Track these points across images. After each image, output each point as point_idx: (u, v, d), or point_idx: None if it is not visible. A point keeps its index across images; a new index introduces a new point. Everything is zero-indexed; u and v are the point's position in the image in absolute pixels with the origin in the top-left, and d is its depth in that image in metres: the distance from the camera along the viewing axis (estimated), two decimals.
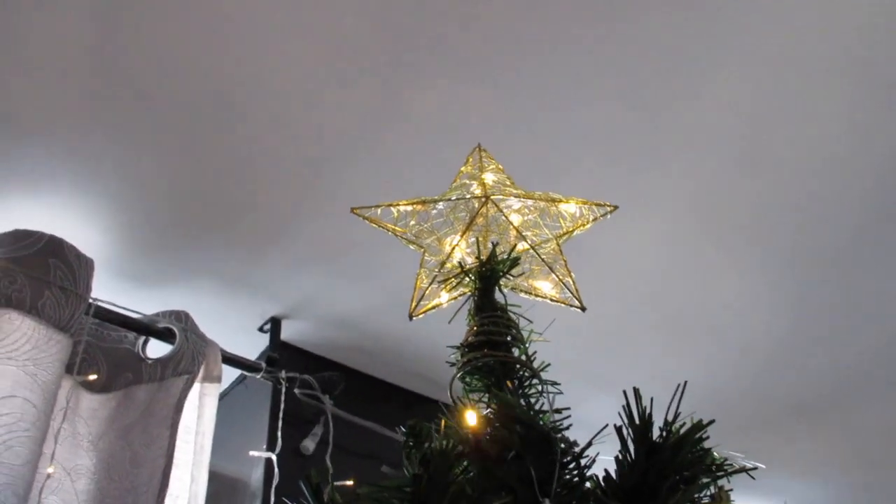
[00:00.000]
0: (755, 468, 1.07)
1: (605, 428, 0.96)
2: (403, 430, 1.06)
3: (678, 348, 2.70)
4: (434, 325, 1.37)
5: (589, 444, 0.98)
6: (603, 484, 0.93)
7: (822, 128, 2.01)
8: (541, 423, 0.96)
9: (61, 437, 1.74)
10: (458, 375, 1.14)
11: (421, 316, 1.26)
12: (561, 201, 1.35)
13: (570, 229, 1.35)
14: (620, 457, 0.92)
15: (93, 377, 1.82)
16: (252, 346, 2.39)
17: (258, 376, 2.17)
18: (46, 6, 1.66)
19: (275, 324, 2.41)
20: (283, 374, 2.19)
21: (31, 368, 1.63)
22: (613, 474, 0.94)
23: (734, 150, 2.07)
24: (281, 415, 2.14)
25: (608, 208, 1.37)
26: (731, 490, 1.00)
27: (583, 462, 0.99)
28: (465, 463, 0.97)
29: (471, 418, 0.99)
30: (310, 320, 2.44)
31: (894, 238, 2.30)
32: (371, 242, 2.13)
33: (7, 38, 1.72)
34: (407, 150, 2.00)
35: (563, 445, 0.95)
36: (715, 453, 1.01)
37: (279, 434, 2.12)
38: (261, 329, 2.43)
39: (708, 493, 0.99)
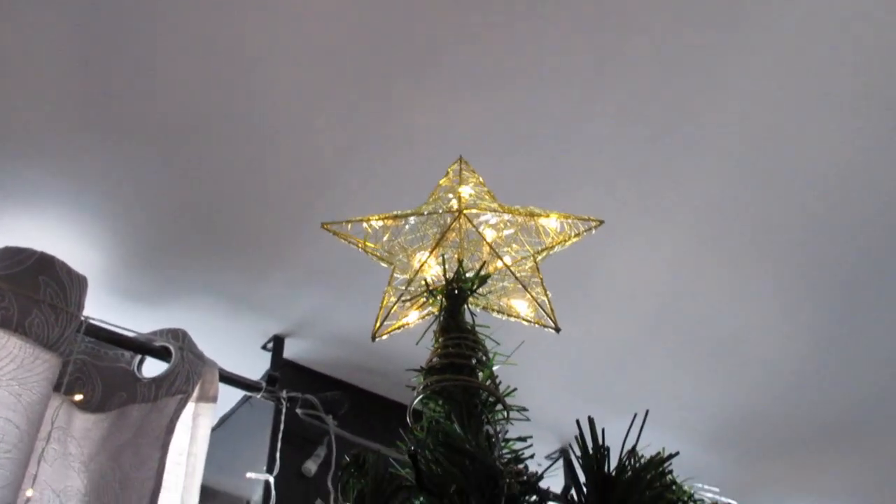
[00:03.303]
0: None
1: (558, 459, 0.89)
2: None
3: (694, 371, 2.61)
4: None
5: (540, 478, 0.91)
6: None
7: (835, 143, 1.93)
8: (487, 455, 0.89)
9: (50, 458, 1.71)
10: (419, 400, 1.07)
11: (385, 337, 1.20)
12: (541, 216, 1.28)
13: (550, 245, 1.28)
14: (570, 492, 0.85)
15: (79, 397, 1.79)
16: (255, 365, 2.34)
17: (258, 396, 2.12)
18: (34, 26, 1.64)
19: (277, 342, 2.37)
20: (284, 393, 2.14)
21: (15, 388, 1.59)
22: None
23: (743, 167, 1.99)
24: (281, 436, 2.09)
25: (592, 223, 1.30)
26: None
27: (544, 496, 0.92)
28: (402, 498, 0.90)
29: (409, 447, 0.92)
30: (313, 339, 2.40)
31: None
32: (374, 262, 2.09)
33: None
34: (406, 166, 1.95)
35: (508, 480, 0.88)
36: (685, 487, 0.94)
37: (278, 455, 2.07)
38: (264, 347, 2.39)
39: None
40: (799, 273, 2.25)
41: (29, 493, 1.60)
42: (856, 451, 3.06)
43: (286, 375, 2.30)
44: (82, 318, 1.76)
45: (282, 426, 2.11)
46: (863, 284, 2.28)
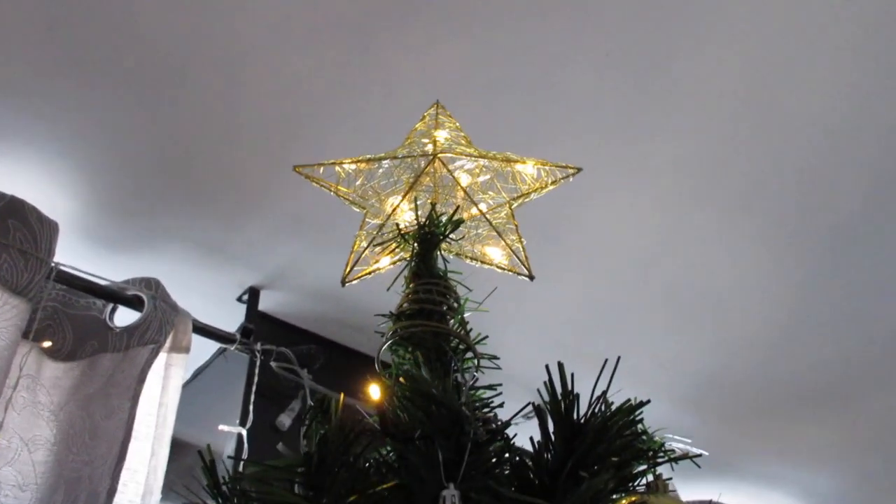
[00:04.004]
0: (699, 455, 0.96)
1: (526, 406, 0.86)
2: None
3: (677, 328, 2.60)
4: None
5: (507, 424, 0.89)
6: (518, 469, 0.83)
7: (825, 91, 1.89)
8: (454, 401, 0.86)
9: (19, 406, 1.69)
10: (387, 346, 1.05)
11: (355, 282, 1.17)
12: (518, 161, 1.25)
13: (526, 192, 1.25)
14: (538, 440, 0.82)
15: (48, 344, 1.76)
16: (231, 316, 2.31)
17: (232, 348, 2.09)
18: None
19: (253, 294, 2.34)
20: (258, 346, 2.11)
21: None
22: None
23: (730, 115, 1.95)
24: (254, 388, 2.07)
25: (570, 170, 1.26)
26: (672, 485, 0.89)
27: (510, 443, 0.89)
28: (366, 442, 0.87)
29: (374, 393, 0.90)
30: (289, 291, 2.37)
31: None
32: (353, 209, 2.06)
33: None
34: (383, 111, 1.91)
35: (479, 425, 0.85)
36: (656, 438, 0.92)
37: (251, 408, 2.04)
38: (239, 299, 2.36)
39: (644, 482, 0.88)
40: (782, 229, 2.23)
41: None
42: (836, 415, 3.06)
43: (261, 328, 2.27)
44: (53, 265, 1.73)
45: (256, 379, 2.09)
46: (847, 241, 2.25)
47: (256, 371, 2.10)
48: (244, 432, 2.02)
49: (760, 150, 2.02)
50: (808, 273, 2.38)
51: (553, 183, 1.26)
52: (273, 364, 2.14)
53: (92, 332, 1.84)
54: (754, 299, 2.48)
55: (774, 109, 1.93)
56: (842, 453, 3.36)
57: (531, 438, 0.82)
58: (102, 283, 1.87)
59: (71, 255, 1.95)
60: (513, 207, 1.25)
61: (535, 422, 0.85)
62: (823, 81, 1.87)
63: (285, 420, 2.13)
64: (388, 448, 0.88)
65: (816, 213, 2.18)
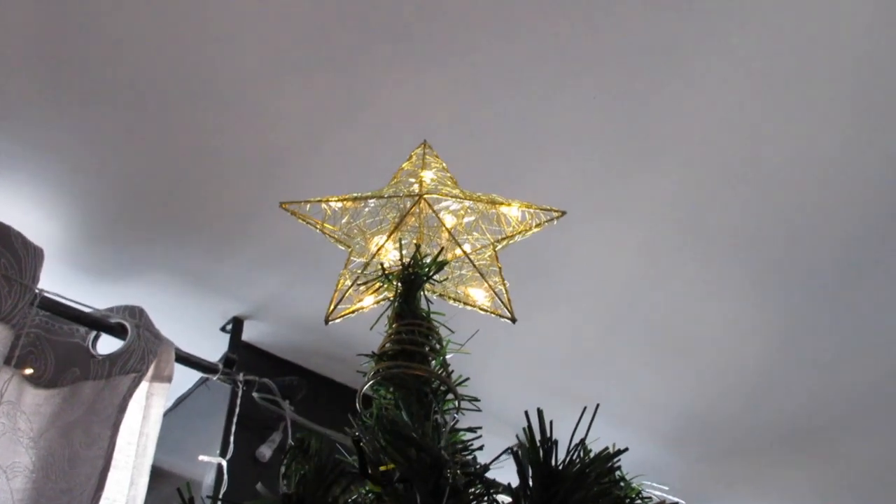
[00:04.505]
0: (676, 503, 0.97)
1: (505, 452, 0.87)
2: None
3: (659, 367, 2.60)
4: None
5: (486, 469, 0.89)
6: None
7: (814, 135, 1.91)
8: (433, 445, 0.87)
9: None
10: (368, 386, 1.05)
11: (339, 321, 1.17)
12: (503, 204, 1.26)
13: (511, 234, 1.26)
14: (515, 486, 0.83)
15: (30, 371, 1.76)
16: (214, 346, 2.31)
17: (215, 378, 2.09)
18: None
19: (237, 324, 2.34)
20: (241, 376, 2.11)
21: None
22: None
23: (719, 156, 1.97)
24: (236, 419, 2.07)
25: (554, 214, 1.28)
26: None
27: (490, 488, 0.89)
28: (346, 484, 0.88)
29: (354, 433, 0.90)
30: (273, 322, 2.37)
31: (891, 255, 2.17)
32: (333, 242, 2.07)
33: None
34: (368, 145, 1.92)
35: (457, 468, 0.86)
36: (634, 484, 0.92)
37: (232, 439, 2.04)
38: (223, 329, 2.36)
39: None
40: (768, 271, 2.24)
41: None
42: (817, 455, 3.06)
43: (244, 358, 2.26)
44: (37, 291, 1.73)
45: (237, 409, 2.09)
46: (833, 285, 2.27)
47: (238, 401, 2.10)
48: (224, 463, 2.01)
49: (746, 193, 2.04)
50: (791, 316, 2.39)
51: (537, 226, 1.27)
52: (255, 395, 2.15)
53: (74, 360, 1.84)
54: (735, 340, 2.50)
55: (760, 153, 1.95)
56: (820, 496, 3.36)
57: (508, 484, 0.83)
58: (86, 310, 1.87)
59: (55, 281, 1.95)
60: (497, 249, 1.26)
61: (512, 465, 0.86)
62: (810, 125, 1.89)
63: (266, 451, 2.13)
64: (367, 489, 0.89)
65: (801, 257, 2.20)
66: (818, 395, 2.70)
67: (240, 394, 2.11)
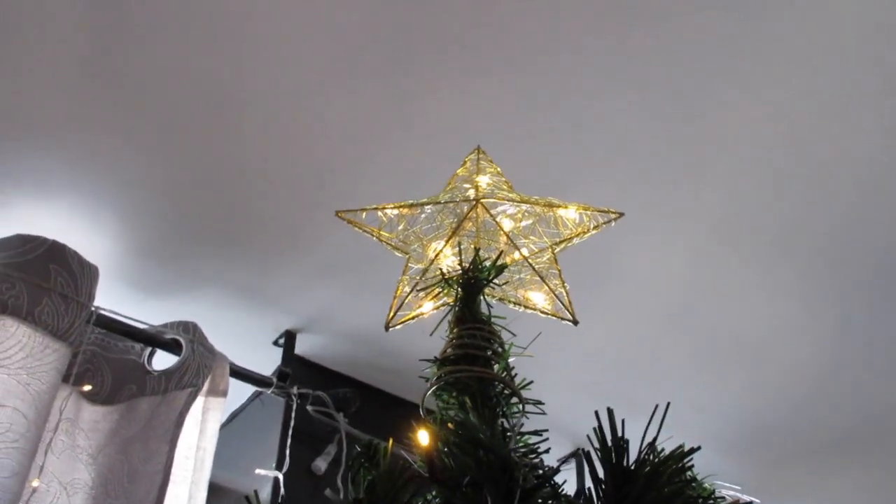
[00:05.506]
0: (750, 503, 0.95)
1: (574, 453, 0.86)
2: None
3: (711, 372, 2.57)
4: None
5: (556, 471, 0.88)
6: None
7: (862, 139, 1.88)
8: (502, 447, 0.86)
9: (58, 450, 1.69)
10: (432, 391, 1.04)
11: (399, 327, 1.17)
12: (560, 206, 1.25)
13: (569, 237, 1.25)
14: (588, 486, 0.82)
15: (88, 388, 1.77)
16: (266, 360, 2.31)
17: (269, 392, 2.09)
18: (46, 9, 1.63)
19: (289, 337, 2.34)
20: (294, 389, 2.12)
21: (23, 377, 1.57)
22: None
23: (768, 162, 1.95)
24: (291, 432, 2.07)
25: (612, 215, 1.27)
26: None
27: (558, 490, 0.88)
28: (414, 489, 0.87)
29: (423, 438, 0.89)
30: (326, 334, 2.37)
31: None
32: (390, 254, 2.07)
33: (10, 42, 1.68)
34: (418, 154, 1.92)
35: (525, 472, 0.85)
36: (706, 485, 0.91)
37: (287, 452, 2.04)
38: (275, 343, 2.37)
39: None
40: (824, 273, 2.21)
41: (35, 483, 1.58)
42: (875, 459, 3.00)
43: (297, 371, 2.26)
44: (93, 309, 1.75)
45: (292, 423, 2.09)
46: (886, 287, 2.23)
47: (293, 415, 2.10)
48: (280, 476, 2.02)
49: (797, 196, 2.01)
50: (846, 316, 2.35)
51: (595, 227, 1.26)
52: (309, 408, 2.15)
53: (130, 376, 1.85)
54: (791, 343, 2.46)
55: (811, 155, 1.92)
56: (874, 497, 3.29)
57: (579, 485, 0.82)
58: (141, 326, 1.88)
59: (110, 298, 1.96)
60: (555, 252, 1.25)
61: (572, 468, 0.85)
62: (859, 129, 1.86)
63: (321, 464, 2.13)
64: (435, 494, 0.88)
65: (853, 259, 2.16)
66: (874, 399, 2.64)
67: (294, 407, 2.11)
